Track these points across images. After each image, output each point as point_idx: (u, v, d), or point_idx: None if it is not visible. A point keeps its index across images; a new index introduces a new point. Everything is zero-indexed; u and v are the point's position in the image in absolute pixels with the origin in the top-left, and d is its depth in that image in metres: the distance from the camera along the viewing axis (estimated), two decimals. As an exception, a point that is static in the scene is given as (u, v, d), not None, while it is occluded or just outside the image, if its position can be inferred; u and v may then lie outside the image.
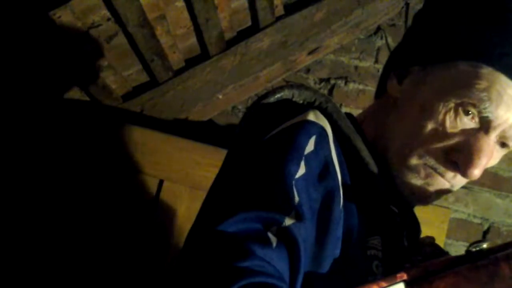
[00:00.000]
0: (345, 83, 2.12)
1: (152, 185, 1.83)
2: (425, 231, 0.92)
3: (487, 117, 0.73)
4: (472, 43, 0.74)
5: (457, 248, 1.99)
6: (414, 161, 0.77)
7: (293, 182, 0.65)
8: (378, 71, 2.11)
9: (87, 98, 1.97)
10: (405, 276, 0.52)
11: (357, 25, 2.09)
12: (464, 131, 0.74)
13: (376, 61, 2.13)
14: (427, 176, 0.77)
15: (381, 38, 2.14)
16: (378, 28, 2.15)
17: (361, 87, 2.11)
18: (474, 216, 2.03)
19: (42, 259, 1.75)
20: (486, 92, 0.71)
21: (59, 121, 1.87)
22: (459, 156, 0.73)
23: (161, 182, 1.83)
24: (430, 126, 0.75)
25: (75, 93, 1.95)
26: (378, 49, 2.14)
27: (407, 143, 0.77)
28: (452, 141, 0.74)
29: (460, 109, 0.73)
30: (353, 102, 2.10)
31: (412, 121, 0.77)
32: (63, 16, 1.57)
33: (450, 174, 0.76)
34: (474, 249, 0.54)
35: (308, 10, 2.03)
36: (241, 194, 0.65)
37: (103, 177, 1.82)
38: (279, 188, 0.64)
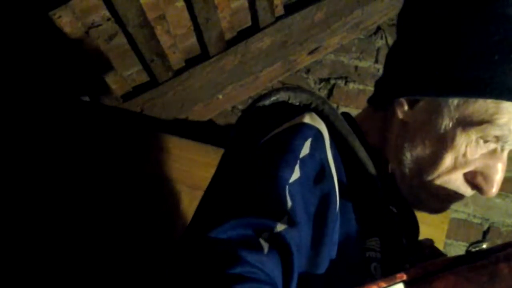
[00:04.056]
0: (345, 83, 2.12)
1: (152, 185, 1.82)
2: (425, 231, 0.93)
3: (508, 146, 0.76)
4: (494, 82, 0.72)
5: (457, 248, 1.98)
6: (435, 189, 0.79)
7: (287, 187, 0.65)
8: (378, 71, 2.11)
9: (87, 98, 1.97)
10: (404, 277, 0.52)
11: (357, 25, 2.09)
12: (482, 155, 0.76)
13: (376, 61, 2.12)
14: (448, 199, 0.80)
15: (381, 38, 2.14)
16: (378, 28, 2.15)
17: (361, 87, 2.11)
18: (474, 216, 2.03)
19: (41, 261, 1.75)
20: (508, 125, 0.73)
21: (59, 121, 1.87)
22: (480, 179, 0.77)
23: (161, 182, 1.83)
24: (450, 156, 0.76)
25: (75, 93, 1.95)
26: (378, 49, 2.13)
27: (427, 172, 0.78)
28: (472, 167, 0.77)
29: (481, 140, 0.75)
30: (353, 102, 2.10)
31: (431, 151, 0.77)
32: (63, 16, 1.57)
33: (469, 192, 0.80)
34: (473, 249, 0.54)
35: (308, 10, 2.03)
36: (233, 200, 0.65)
37: (102, 177, 1.82)
38: (272, 193, 0.64)
